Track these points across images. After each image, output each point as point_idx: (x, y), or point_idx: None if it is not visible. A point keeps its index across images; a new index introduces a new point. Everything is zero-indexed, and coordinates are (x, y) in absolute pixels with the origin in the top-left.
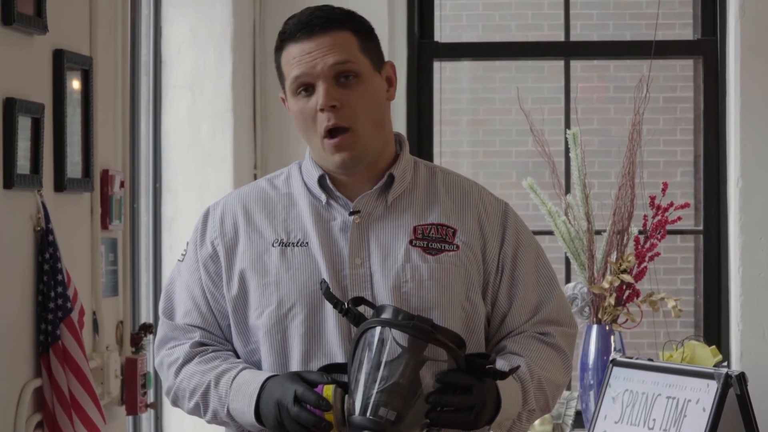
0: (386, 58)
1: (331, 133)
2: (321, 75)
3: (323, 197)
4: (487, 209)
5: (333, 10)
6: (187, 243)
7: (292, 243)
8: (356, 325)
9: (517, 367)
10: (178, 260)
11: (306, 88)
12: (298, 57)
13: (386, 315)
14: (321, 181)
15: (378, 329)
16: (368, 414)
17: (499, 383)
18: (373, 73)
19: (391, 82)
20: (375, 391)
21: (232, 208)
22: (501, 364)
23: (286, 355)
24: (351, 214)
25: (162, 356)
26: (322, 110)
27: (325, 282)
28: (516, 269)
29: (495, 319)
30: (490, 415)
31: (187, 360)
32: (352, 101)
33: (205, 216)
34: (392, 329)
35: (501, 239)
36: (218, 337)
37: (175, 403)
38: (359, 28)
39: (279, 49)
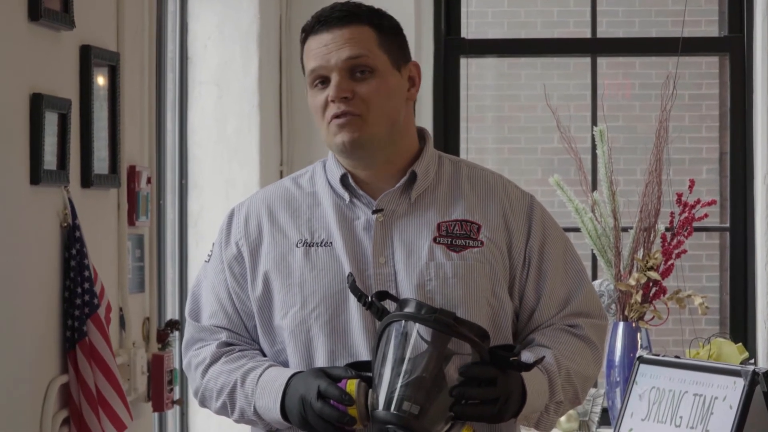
0: (413, 55)
1: (338, 117)
2: (335, 68)
3: (346, 196)
4: (512, 203)
5: (357, 6)
6: (213, 244)
7: (316, 243)
8: (380, 319)
9: (542, 359)
10: (204, 261)
11: (322, 80)
12: (315, 49)
13: (409, 309)
14: (343, 180)
15: (401, 323)
16: (392, 408)
17: (525, 375)
18: (392, 70)
19: (413, 82)
20: (399, 385)
21: (256, 208)
22: (527, 356)
23: (311, 354)
24: (374, 212)
25: (189, 357)
26: (332, 101)
27: (351, 275)
28: (543, 263)
29: (523, 313)
30: (515, 408)
31: (214, 360)
32: (364, 94)
33: (230, 217)
34: (415, 323)
35: (527, 233)
36: (244, 337)
37: (203, 403)
38: (380, 23)
39: (302, 42)
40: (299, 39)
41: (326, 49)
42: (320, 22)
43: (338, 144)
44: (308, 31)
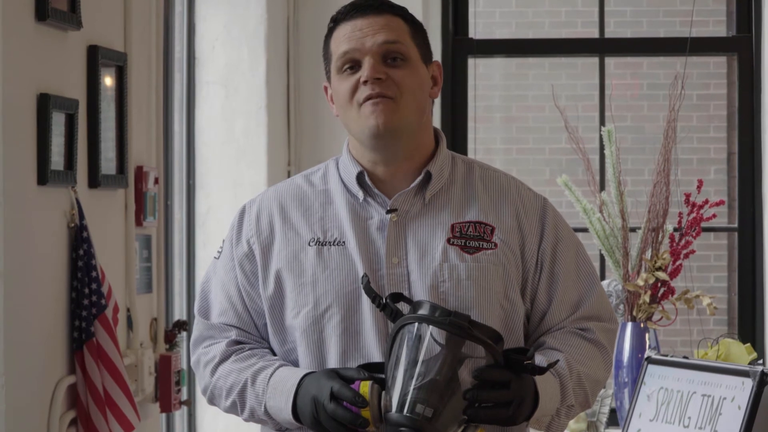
0: None
1: (371, 99)
2: (369, 51)
3: (360, 194)
4: (525, 205)
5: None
6: (223, 241)
7: (329, 242)
8: (393, 321)
9: (556, 362)
10: (214, 258)
11: (352, 65)
12: (348, 33)
13: (423, 311)
14: (359, 178)
15: (415, 325)
16: (405, 411)
17: (537, 379)
18: (421, 63)
19: (436, 81)
20: (412, 387)
21: (268, 205)
22: (539, 359)
23: (323, 355)
24: (388, 212)
25: (198, 355)
26: (365, 82)
27: (366, 276)
28: (555, 266)
29: (534, 316)
30: (528, 411)
31: (224, 358)
32: (398, 78)
33: (241, 214)
34: (429, 325)
35: (540, 236)
36: (254, 335)
37: (212, 401)
38: (412, 18)
39: (330, 32)
40: (327, 31)
41: (361, 33)
42: (354, 10)
43: (372, 127)
44: (340, 18)
